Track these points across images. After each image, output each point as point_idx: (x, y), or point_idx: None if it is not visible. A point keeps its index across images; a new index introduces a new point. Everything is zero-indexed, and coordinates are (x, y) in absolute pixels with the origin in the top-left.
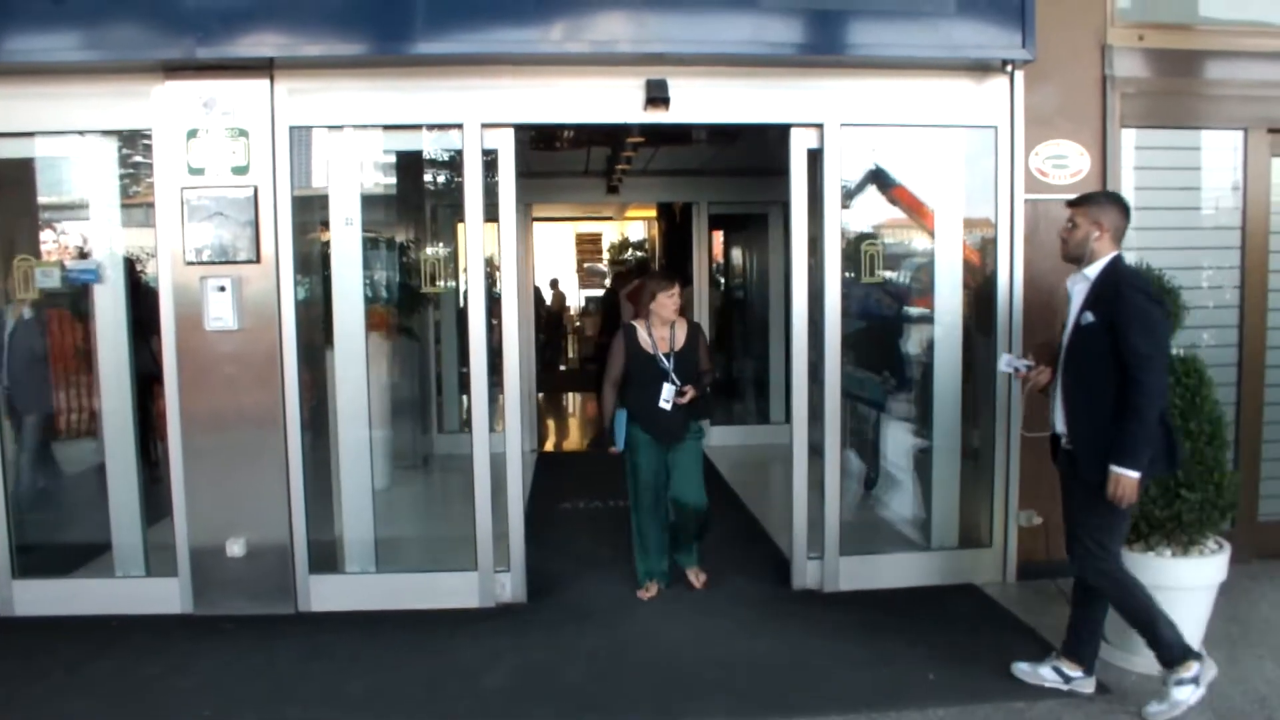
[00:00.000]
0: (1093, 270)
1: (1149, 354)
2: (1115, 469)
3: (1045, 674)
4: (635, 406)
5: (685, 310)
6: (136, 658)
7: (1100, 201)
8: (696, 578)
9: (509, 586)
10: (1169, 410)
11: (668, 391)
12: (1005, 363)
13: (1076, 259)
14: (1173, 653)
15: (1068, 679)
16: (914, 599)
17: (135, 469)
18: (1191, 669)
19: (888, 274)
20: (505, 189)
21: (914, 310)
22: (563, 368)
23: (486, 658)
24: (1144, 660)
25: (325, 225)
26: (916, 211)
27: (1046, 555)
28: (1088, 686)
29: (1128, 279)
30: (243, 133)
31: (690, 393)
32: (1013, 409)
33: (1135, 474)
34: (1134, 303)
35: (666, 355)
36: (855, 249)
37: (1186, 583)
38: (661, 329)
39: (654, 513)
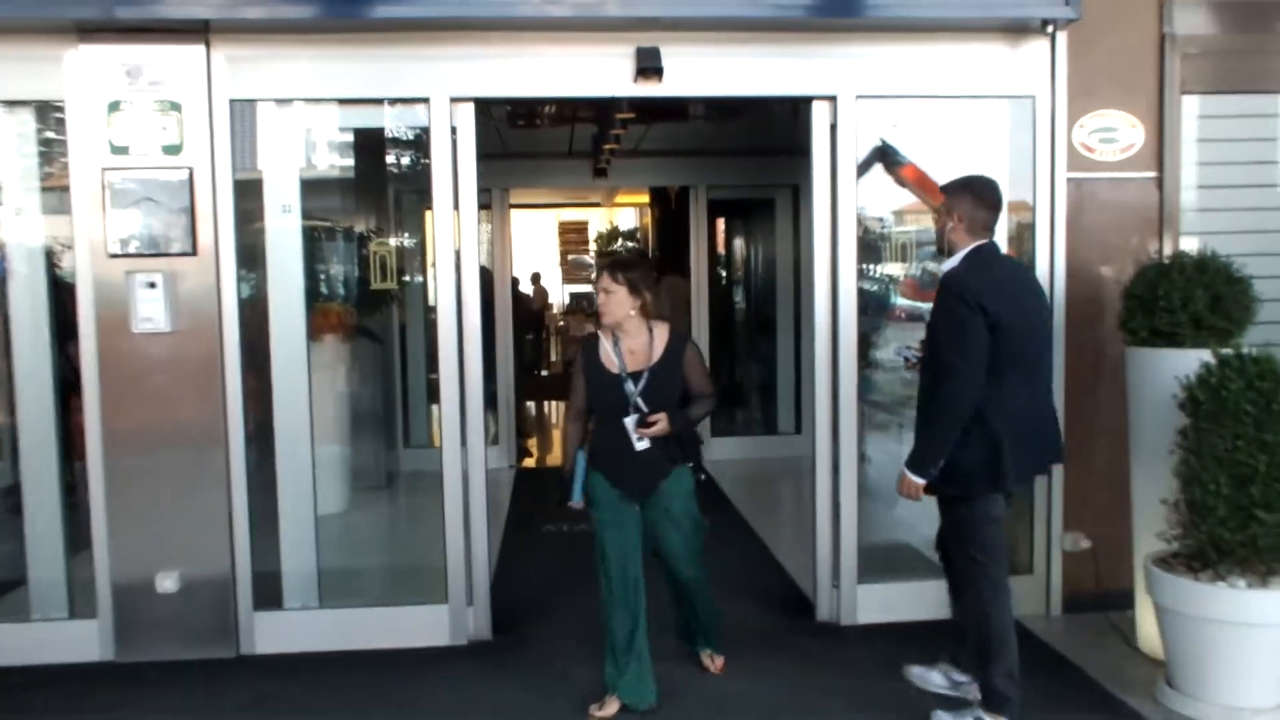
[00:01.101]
0: (948, 265)
1: (949, 364)
2: (902, 468)
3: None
4: (597, 447)
5: (679, 308)
6: (51, 716)
7: (957, 189)
8: (712, 661)
9: (472, 621)
10: (1003, 426)
11: (631, 425)
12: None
13: (944, 251)
14: (994, 699)
15: (955, 684)
16: (944, 634)
17: (58, 493)
18: None
19: (914, 264)
20: (465, 170)
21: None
22: (545, 372)
23: (457, 704)
24: (1215, 709)
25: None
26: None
27: (1097, 584)
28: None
29: (949, 280)
30: (175, 106)
31: (660, 423)
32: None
33: (919, 480)
34: (947, 307)
35: (635, 375)
36: (876, 237)
37: (1265, 618)
38: (633, 339)
39: (626, 601)
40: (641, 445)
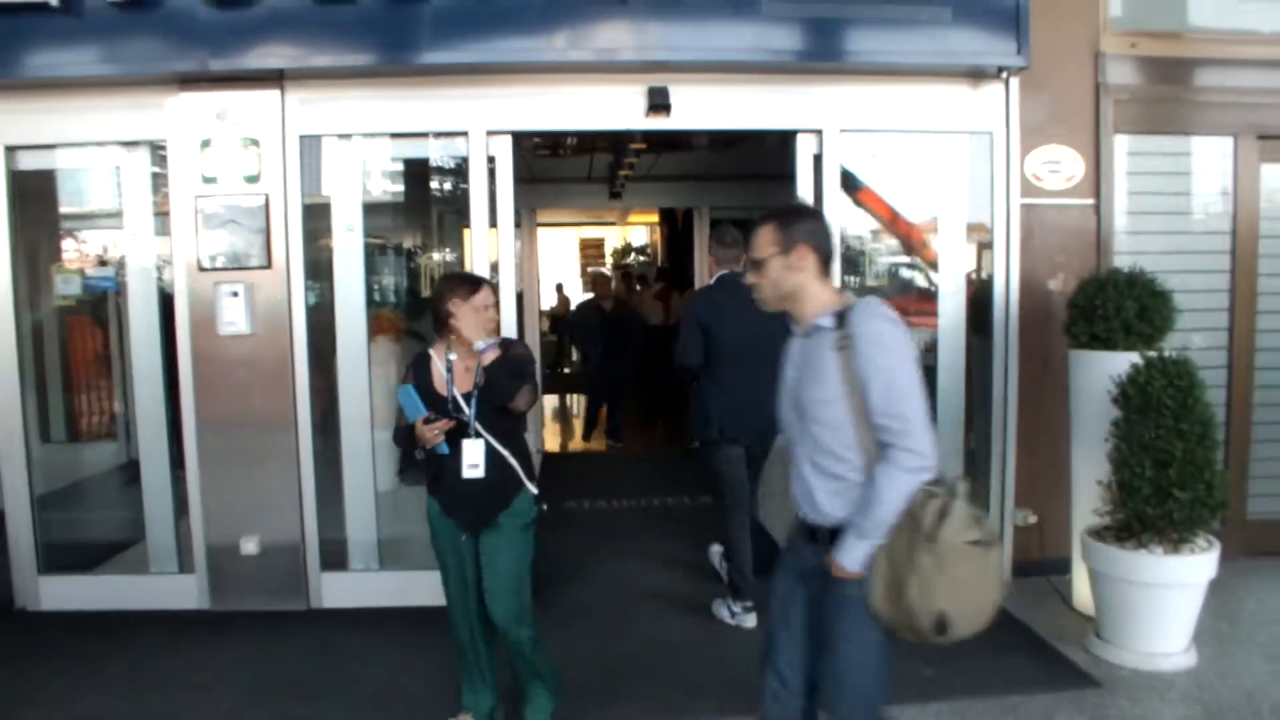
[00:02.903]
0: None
1: (675, 354)
2: None
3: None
4: (432, 475)
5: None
6: (154, 653)
7: (709, 236)
8: None
9: None
10: (716, 399)
11: (470, 451)
12: None
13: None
14: (734, 589)
15: (733, 613)
16: None
17: (168, 468)
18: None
19: (887, 278)
20: (503, 194)
21: (912, 314)
22: (566, 370)
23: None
24: (1134, 655)
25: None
26: (911, 216)
27: (1041, 553)
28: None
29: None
30: (254, 142)
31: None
32: (1009, 410)
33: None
34: (682, 317)
35: (467, 396)
36: (856, 253)
37: (1177, 580)
38: (469, 357)
39: (468, 620)
40: (473, 473)
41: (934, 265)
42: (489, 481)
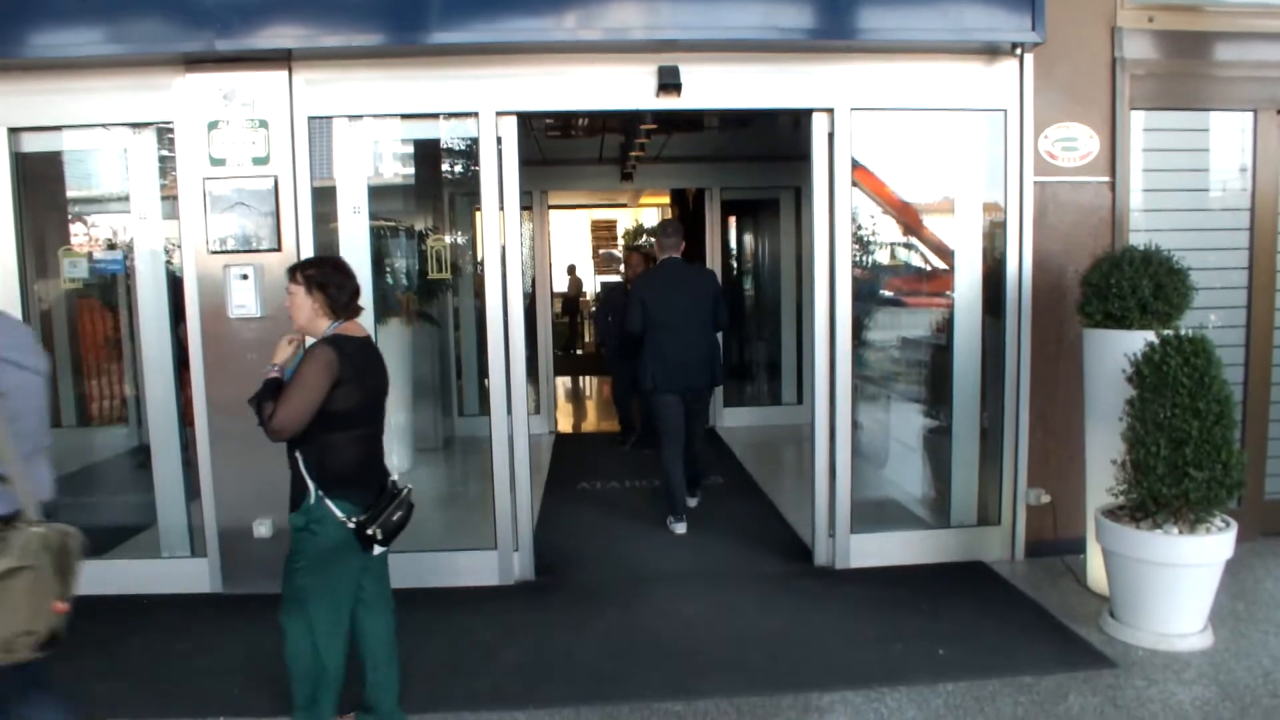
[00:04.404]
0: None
1: (623, 323)
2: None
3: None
4: None
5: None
6: (166, 636)
7: (656, 230)
8: None
9: (518, 565)
10: (652, 358)
11: None
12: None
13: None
14: (673, 506)
15: (671, 523)
16: (925, 576)
17: (178, 452)
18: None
19: (899, 257)
20: (509, 174)
21: (925, 293)
22: (579, 352)
23: (505, 634)
24: (1149, 635)
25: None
26: (924, 195)
27: (1055, 533)
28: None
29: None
30: (263, 123)
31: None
32: (1022, 389)
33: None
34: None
35: None
36: (868, 233)
37: (1193, 560)
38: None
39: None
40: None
41: (947, 244)
42: (290, 478)
